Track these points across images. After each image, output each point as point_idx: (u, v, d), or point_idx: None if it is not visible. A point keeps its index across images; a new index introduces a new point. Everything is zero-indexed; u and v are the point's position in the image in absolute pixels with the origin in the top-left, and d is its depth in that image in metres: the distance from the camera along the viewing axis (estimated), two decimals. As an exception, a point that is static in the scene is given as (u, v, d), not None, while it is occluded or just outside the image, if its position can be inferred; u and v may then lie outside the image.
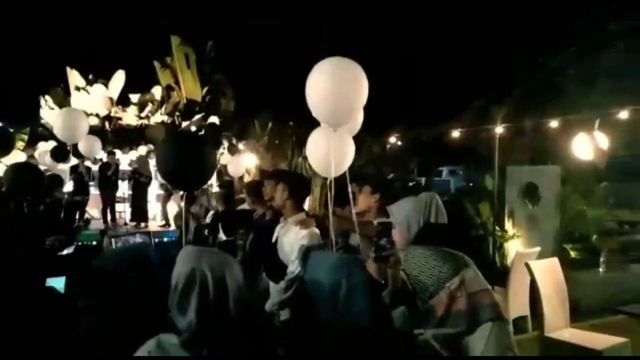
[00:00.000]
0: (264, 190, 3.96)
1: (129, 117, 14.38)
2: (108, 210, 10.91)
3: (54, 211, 5.47)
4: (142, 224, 10.80)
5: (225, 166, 10.00)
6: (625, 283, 5.81)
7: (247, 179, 9.48)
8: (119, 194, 11.51)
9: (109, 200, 10.94)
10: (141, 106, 14.53)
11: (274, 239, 3.17)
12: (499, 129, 6.64)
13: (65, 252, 4.14)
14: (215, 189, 8.55)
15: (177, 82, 15.25)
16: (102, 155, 10.73)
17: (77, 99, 14.14)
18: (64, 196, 6.33)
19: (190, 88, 15.29)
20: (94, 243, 5.64)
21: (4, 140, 5.56)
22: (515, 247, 6.48)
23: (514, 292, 4.90)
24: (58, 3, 18.79)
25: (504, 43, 12.43)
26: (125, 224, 11.09)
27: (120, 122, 14.19)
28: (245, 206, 5.02)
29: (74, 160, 9.07)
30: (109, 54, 17.73)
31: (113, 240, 5.25)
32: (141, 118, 14.40)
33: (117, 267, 2.00)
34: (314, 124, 3.39)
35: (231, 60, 16.70)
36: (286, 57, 17.14)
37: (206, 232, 5.62)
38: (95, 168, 10.82)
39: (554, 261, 4.42)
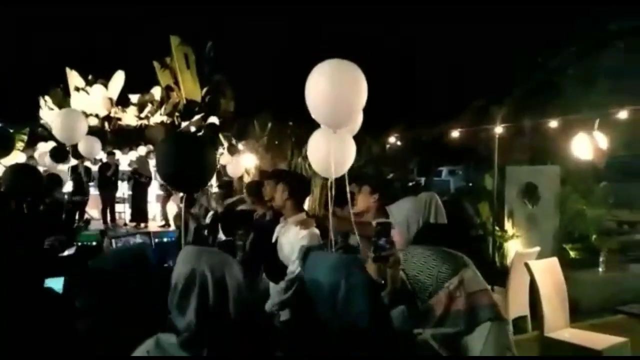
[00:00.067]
0: (264, 191, 3.96)
1: (129, 117, 14.39)
2: (108, 211, 10.91)
3: (53, 211, 5.47)
4: (142, 225, 10.80)
5: (224, 166, 10.00)
6: (625, 283, 5.81)
7: (246, 179, 9.46)
8: (118, 194, 11.52)
9: (108, 200, 10.94)
10: (141, 106, 14.54)
11: (274, 239, 3.17)
12: (499, 129, 6.63)
13: (66, 253, 4.14)
14: (215, 189, 8.54)
15: (176, 83, 15.26)
16: (102, 156, 10.74)
17: (77, 100, 14.16)
18: (63, 197, 6.33)
19: (190, 88, 15.30)
20: (94, 243, 5.63)
21: (4, 140, 5.54)
22: (514, 247, 6.47)
23: (513, 292, 4.90)
24: (58, 3, 18.80)
25: (504, 43, 12.43)
26: (125, 224, 11.11)
27: (119, 122, 14.21)
28: (245, 206, 5.02)
29: (73, 161, 9.06)
30: (108, 54, 17.75)
31: (113, 240, 5.24)
32: (141, 118, 14.41)
33: (115, 267, 2.00)
34: (313, 124, 3.37)
35: (231, 61, 16.70)
36: (286, 57, 17.13)
37: (206, 232, 5.62)
38: (95, 168, 10.81)
39: (554, 261, 4.42)
